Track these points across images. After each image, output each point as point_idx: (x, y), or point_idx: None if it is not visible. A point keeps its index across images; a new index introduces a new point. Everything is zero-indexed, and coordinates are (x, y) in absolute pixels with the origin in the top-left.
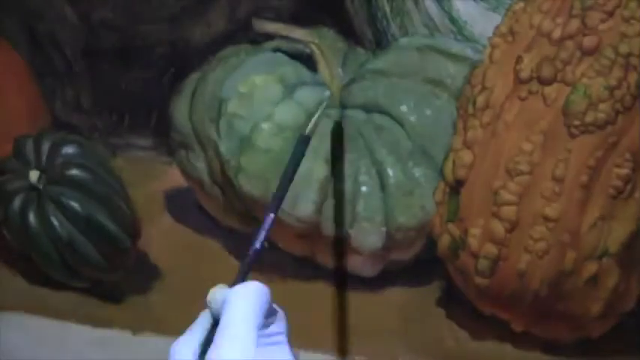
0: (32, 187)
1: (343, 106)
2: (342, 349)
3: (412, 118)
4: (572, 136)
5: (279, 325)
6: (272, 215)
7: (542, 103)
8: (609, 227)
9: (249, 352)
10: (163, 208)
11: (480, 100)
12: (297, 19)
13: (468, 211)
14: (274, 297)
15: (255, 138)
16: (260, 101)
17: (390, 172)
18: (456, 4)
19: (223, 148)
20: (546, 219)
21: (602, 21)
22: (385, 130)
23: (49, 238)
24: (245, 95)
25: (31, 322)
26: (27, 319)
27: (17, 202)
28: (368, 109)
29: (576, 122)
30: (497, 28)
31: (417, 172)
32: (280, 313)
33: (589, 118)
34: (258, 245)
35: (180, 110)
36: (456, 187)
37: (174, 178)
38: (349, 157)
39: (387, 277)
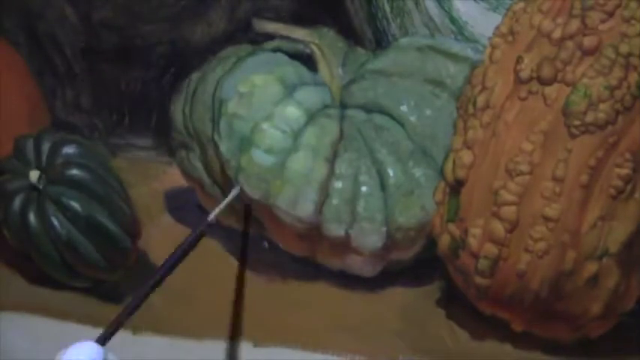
0: (32, 187)
1: (343, 106)
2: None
3: (412, 118)
4: (573, 136)
5: None
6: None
7: (542, 103)
8: (609, 227)
9: None
10: (163, 208)
11: (480, 100)
12: (297, 19)
13: (468, 211)
14: (274, 297)
15: (255, 138)
16: (260, 101)
17: (390, 172)
18: (456, 4)
19: (223, 148)
20: (546, 219)
21: (603, 21)
22: (385, 130)
23: (49, 238)
24: (245, 95)
25: (31, 322)
26: (27, 319)
27: (17, 202)
28: (368, 109)
29: (576, 122)
30: (497, 28)
31: (417, 172)
32: None
33: (589, 118)
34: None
35: (180, 110)
36: (456, 187)
37: (174, 178)
38: (349, 157)
39: (388, 277)
